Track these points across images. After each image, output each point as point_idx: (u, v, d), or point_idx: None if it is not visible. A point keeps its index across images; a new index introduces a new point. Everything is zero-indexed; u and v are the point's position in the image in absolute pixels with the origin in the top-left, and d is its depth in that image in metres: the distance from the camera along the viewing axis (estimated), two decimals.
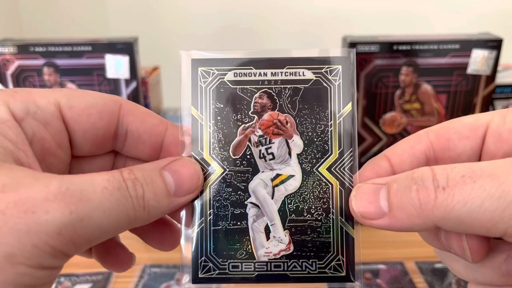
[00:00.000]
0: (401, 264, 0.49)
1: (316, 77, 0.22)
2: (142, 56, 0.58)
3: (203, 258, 0.22)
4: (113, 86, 0.56)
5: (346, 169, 0.23)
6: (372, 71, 0.53)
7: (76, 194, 0.17)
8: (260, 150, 0.23)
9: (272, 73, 0.22)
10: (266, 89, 0.22)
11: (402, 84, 0.54)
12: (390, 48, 0.52)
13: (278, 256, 0.22)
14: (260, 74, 0.22)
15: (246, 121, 0.22)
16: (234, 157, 0.22)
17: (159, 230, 0.25)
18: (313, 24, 0.90)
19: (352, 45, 0.52)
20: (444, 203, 0.18)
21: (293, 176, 0.23)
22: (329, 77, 0.22)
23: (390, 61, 0.53)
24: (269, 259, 0.22)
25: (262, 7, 0.89)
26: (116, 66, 0.55)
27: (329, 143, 0.23)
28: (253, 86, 0.22)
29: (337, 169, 0.23)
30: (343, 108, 0.23)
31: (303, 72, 0.22)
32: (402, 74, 0.53)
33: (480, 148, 0.22)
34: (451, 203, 0.18)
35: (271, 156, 0.23)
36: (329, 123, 0.23)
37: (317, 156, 0.23)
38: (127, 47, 0.55)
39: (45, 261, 0.17)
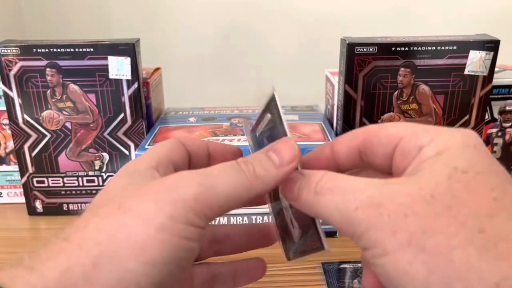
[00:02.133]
0: None
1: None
2: (143, 57, 0.59)
3: None
4: (115, 87, 0.57)
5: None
6: (370, 72, 0.54)
7: (202, 173, 0.25)
8: None
9: None
10: None
11: (400, 85, 0.54)
12: (388, 49, 0.53)
13: None
14: None
15: None
16: None
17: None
18: (312, 26, 0.90)
19: (351, 46, 0.53)
20: (315, 204, 0.25)
21: None
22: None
23: (388, 62, 0.53)
24: None
25: (262, 9, 0.90)
26: (118, 67, 0.56)
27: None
28: None
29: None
30: None
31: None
32: (400, 75, 0.54)
33: (391, 156, 0.26)
34: (318, 205, 0.25)
35: None
36: None
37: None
38: (129, 48, 0.55)
39: (192, 219, 0.24)
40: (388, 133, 0.26)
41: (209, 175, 0.25)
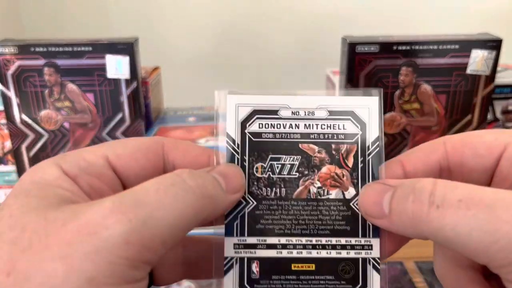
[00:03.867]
0: (401, 264, 0.49)
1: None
2: (142, 57, 0.58)
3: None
4: (113, 86, 0.56)
5: None
6: (372, 71, 0.53)
7: (131, 203, 0.17)
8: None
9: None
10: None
11: (401, 84, 0.54)
12: (389, 48, 0.52)
13: None
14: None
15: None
16: None
17: None
18: (313, 24, 0.90)
19: (352, 45, 0.52)
20: (435, 221, 0.18)
21: None
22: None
23: (389, 61, 0.53)
24: None
25: (262, 8, 0.89)
26: (116, 67, 0.55)
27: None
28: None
29: None
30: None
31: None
32: (401, 74, 0.54)
33: (493, 169, 0.22)
34: (440, 223, 0.18)
35: None
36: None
37: None
38: (127, 48, 0.55)
39: (126, 274, 0.17)
40: (485, 142, 0.22)
41: (141, 204, 0.18)
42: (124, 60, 0.55)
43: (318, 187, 0.24)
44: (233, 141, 0.24)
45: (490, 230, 0.17)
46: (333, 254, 0.23)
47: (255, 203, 0.23)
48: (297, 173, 0.24)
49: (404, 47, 0.53)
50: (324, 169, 0.24)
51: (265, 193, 0.23)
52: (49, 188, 0.19)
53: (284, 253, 0.23)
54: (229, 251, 0.23)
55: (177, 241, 0.19)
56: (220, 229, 0.24)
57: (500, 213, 0.17)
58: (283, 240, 0.23)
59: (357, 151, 0.24)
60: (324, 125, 0.24)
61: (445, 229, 0.18)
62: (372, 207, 0.21)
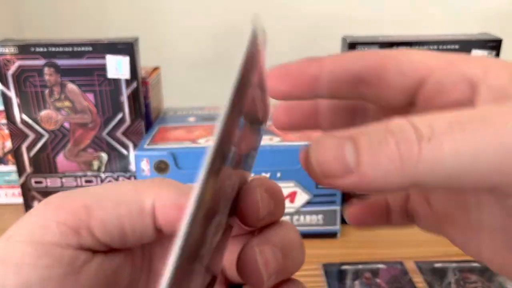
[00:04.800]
0: (401, 263, 0.49)
1: None
2: (142, 56, 0.58)
3: None
4: (113, 86, 0.56)
5: None
6: None
7: None
8: None
9: None
10: None
11: None
12: (390, 48, 0.52)
13: None
14: None
15: None
16: None
17: None
18: (313, 25, 0.90)
19: (352, 45, 0.52)
20: (431, 156, 0.15)
21: None
22: None
23: None
24: None
25: (262, 8, 0.89)
26: (116, 66, 0.55)
27: None
28: None
29: None
30: None
31: None
32: None
33: (413, 92, 0.20)
34: (440, 155, 0.15)
35: None
36: None
37: None
38: (127, 48, 0.55)
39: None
40: (412, 61, 0.20)
41: None
42: (124, 60, 0.55)
43: None
44: None
45: (497, 142, 0.15)
46: None
47: None
48: None
49: (404, 47, 0.53)
50: None
51: None
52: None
53: None
54: None
55: None
56: None
57: (499, 124, 0.15)
58: None
59: None
60: None
61: (445, 161, 0.15)
62: (332, 164, 0.16)
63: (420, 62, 0.20)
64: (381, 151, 0.16)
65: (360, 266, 0.49)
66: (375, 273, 0.48)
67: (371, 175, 0.16)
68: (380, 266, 0.49)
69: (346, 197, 0.58)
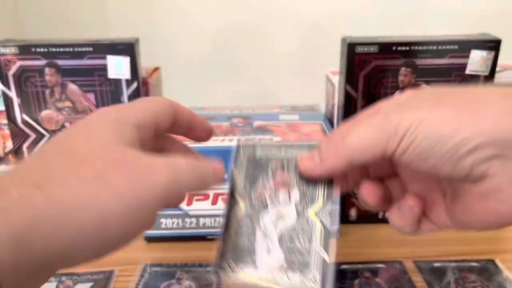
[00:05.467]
0: (400, 263, 0.50)
1: None
2: (143, 57, 0.58)
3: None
4: (114, 87, 0.56)
5: (326, 214, 0.32)
6: (371, 71, 0.53)
7: (172, 166, 0.27)
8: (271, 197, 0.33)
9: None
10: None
11: (401, 84, 0.54)
12: (389, 48, 0.53)
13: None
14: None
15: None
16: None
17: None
18: (313, 25, 0.90)
19: (352, 45, 0.52)
20: (346, 143, 0.30)
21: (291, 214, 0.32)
22: None
23: (389, 62, 0.53)
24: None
25: (262, 9, 0.90)
26: (117, 67, 0.56)
27: (317, 195, 0.33)
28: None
29: (320, 214, 0.32)
30: None
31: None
32: (401, 75, 0.54)
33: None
34: (349, 141, 0.30)
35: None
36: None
37: (307, 203, 0.32)
38: (128, 48, 0.55)
39: (155, 207, 0.26)
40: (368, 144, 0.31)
41: (177, 170, 0.27)
42: (125, 61, 0.55)
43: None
44: None
45: (378, 124, 0.29)
46: None
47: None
48: None
49: (403, 48, 0.53)
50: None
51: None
52: (122, 126, 0.28)
53: None
54: None
55: (183, 198, 0.31)
56: None
57: (380, 116, 0.30)
58: None
59: None
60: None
61: (352, 142, 0.30)
62: (308, 164, 0.32)
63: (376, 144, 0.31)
64: (327, 147, 0.31)
65: (359, 266, 0.49)
66: (374, 272, 0.48)
67: (326, 163, 0.31)
68: (380, 265, 0.49)
69: (346, 197, 0.58)
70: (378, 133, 0.28)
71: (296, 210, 0.32)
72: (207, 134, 0.37)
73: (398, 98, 0.30)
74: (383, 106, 0.29)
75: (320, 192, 0.33)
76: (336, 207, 0.32)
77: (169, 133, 0.35)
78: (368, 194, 0.33)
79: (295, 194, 0.33)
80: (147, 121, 0.30)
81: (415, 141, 0.27)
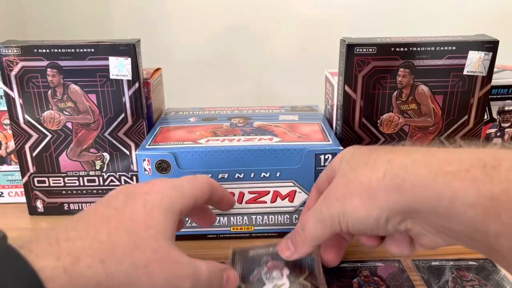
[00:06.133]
0: (399, 261, 0.50)
1: None
2: (144, 58, 0.59)
3: None
4: (115, 87, 0.57)
5: (313, 277, 0.42)
6: (370, 72, 0.54)
7: (194, 274, 0.35)
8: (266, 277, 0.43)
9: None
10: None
11: (399, 85, 0.55)
12: (387, 50, 0.53)
13: None
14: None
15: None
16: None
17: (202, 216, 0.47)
18: (312, 26, 0.90)
19: (351, 46, 0.53)
20: (305, 235, 0.41)
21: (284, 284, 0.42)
22: None
23: (387, 63, 0.54)
24: None
25: (262, 10, 0.90)
26: (118, 68, 0.56)
27: (303, 267, 0.44)
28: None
29: (308, 278, 0.42)
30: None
31: None
32: (399, 76, 0.54)
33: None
34: (306, 233, 0.41)
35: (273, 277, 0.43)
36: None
37: (297, 274, 0.43)
38: (129, 49, 0.55)
39: None
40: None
41: (199, 280, 0.34)
42: (126, 61, 0.56)
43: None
44: None
45: (318, 214, 0.39)
46: None
47: None
48: None
49: (402, 49, 0.53)
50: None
51: None
52: (171, 213, 0.36)
53: None
54: None
55: None
56: None
57: (320, 203, 0.40)
58: None
59: None
60: None
61: (311, 225, 0.40)
62: (286, 252, 0.43)
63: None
64: (296, 241, 0.42)
65: (358, 264, 0.49)
66: (373, 271, 0.48)
67: (298, 250, 0.42)
68: (378, 264, 0.50)
69: None
70: (321, 224, 0.38)
71: (289, 280, 0.42)
72: (230, 207, 0.46)
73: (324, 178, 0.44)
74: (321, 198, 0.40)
75: (305, 264, 0.44)
76: (320, 270, 0.43)
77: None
78: (366, 241, 0.41)
79: (286, 271, 0.43)
80: (189, 205, 0.37)
81: (348, 223, 0.36)
